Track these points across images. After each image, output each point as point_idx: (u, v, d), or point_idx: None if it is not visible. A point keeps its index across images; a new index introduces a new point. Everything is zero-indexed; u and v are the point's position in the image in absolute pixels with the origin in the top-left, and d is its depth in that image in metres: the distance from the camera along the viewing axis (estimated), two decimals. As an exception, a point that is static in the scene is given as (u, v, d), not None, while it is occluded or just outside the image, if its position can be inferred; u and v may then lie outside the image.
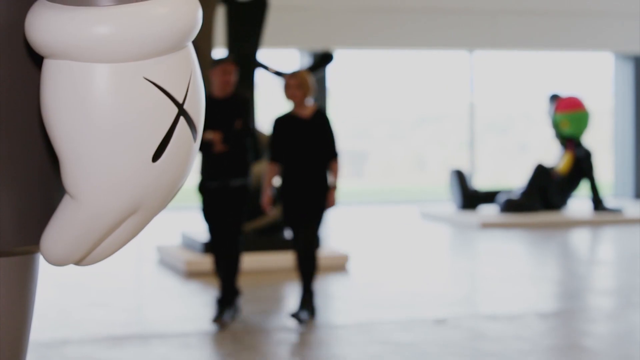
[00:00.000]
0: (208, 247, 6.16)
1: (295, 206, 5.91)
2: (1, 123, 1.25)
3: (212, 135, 5.82)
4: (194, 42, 1.29)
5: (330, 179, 5.95)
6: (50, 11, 1.14)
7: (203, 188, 5.99)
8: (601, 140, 16.63)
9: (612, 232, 11.38)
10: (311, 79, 5.97)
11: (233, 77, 6.02)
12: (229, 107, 5.95)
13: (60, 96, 1.16)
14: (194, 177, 9.06)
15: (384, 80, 17.77)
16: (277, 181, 6.12)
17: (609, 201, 14.24)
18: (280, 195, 6.01)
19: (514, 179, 16.32)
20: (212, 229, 6.05)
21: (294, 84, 5.91)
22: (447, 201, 14.58)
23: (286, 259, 8.16)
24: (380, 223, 12.74)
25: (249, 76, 8.80)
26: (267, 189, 6.01)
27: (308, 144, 5.90)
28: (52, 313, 6.40)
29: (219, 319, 5.85)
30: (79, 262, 1.28)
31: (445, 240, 11.10)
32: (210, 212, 6.01)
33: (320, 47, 13.66)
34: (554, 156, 13.52)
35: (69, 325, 6.03)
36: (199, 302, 6.83)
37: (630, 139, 15.75)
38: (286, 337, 5.66)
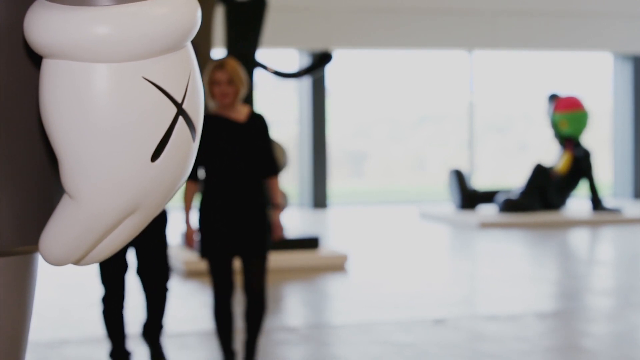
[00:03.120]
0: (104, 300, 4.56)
1: (223, 234, 4.50)
2: (0, 123, 1.25)
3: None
4: (193, 42, 1.29)
5: (270, 200, 4.68)
6: (49, 11, 1.14)
7: None
8: (600, 140, 16.63)
9: (611, 232, 11.39)
10: (243, 71, 4.58)
11: None
12: None
13: (59, 96, 1.16)
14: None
15: (384, 80, 17.77)
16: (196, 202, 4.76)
17: (608, 201, 14.25)
18: (200, 219, 4.57)
19: (513, 179, 16.32)
20: (117, 267, 4.58)
21: (224, 78, 4.45)
22: (447, 201, 14.58)
23: (285, 258, 8.17)
24: (380, 223, 12.73)
25: (247, 76, 8.80)
26: (187, 215, 4.64)
27: (241, 155, 4.51)
28: (51, 313, 6.40)
29: None
30: (78, 262, 1.28)
31: (445, 240, 11.10)
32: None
33: (319, 47, 13.66)
34: (553, 156, 13.52)
35: (68, 325, 6.03)
36: (198, 303, 6.83)
37: (629, 139, 15.75)
38: (286, 337, 5.66)
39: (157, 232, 4.57)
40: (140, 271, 4.58)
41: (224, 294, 4.57)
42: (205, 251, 4.55)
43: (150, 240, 4.55)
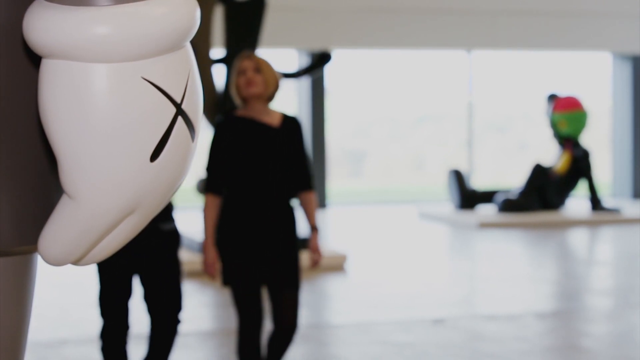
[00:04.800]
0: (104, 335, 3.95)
1: (249, 258, 3.83)
2: (0, 123, 1.25)
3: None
4: (192, 42, 1.29)
5: (303, 219, 4.07)
6: (49, 11, 1.14)
7: None
8: (599, 140, 16.64)
9: (610, 232, 11.39)
10: (275, 69, 3.93)
11: None
12: None
13: (58, 96, 1.16)
14: (191, 177, 8.81)
15: (383, 80, 17.78)
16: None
17: (607, 201, 14.25)
18: (221, 240, 3.90)
19: (513, 179, 16.33)
20: (117, 302, 3.91)
21: (251, 66, 3.84)
22: (446, 201, 14.58)
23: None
24: (379, 223, 12.73)
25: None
26: (209, 237, 3.89)
27: (273, 165, 3.85)
28: (50, 313, 6.40)
29: None
30: (77, 262, 1.28)
31: (444, 240, 11.10)
32: (119, 275, 3.88)
33: (318, 47, 13.67)
34: (553, 156, 13.53)
35: (67, 325, 6.03)
36: (197, 302, 6.83)
37: (628, 138, 15.76)
38: (285, 337, 5.66)
39: (167, 254, 3.92)
40: (147, 297, 3.93)
41: (252, 327, 3.88)
42: (229, 278, 3.86)
43: (159, 264, 3.89)
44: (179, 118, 1.21)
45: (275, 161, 3.84)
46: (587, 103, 13.22)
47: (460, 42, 14.73)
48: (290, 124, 3.92)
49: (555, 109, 13.00)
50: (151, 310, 3.92)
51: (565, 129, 12.92)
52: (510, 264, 8.76)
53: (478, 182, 15.64)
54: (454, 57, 15.76)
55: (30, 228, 1.30)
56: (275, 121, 3.89)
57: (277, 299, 3.89)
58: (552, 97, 13.16)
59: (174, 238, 3.94)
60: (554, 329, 5.97)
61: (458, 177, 13.11)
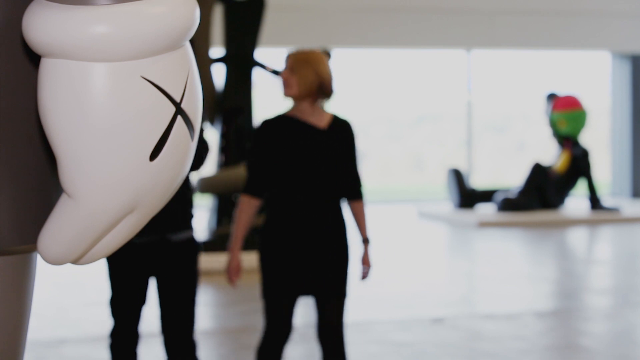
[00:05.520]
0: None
1: (294, 269, 3.60)
2: (-1, 122, 1.25)
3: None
4: (191, 41, 1.29)
5: (352, 228, 3.86)
6: (48, 10, 1.14)
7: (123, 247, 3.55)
8: (598, 139, 16.64)
9: (609, 231, 11.39)
10: (321, 66, 3.65)
11: None
12: None
13: (57, 95, 1.16)
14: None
15: (382, 79, 17.78)
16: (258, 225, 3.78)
17: (606, 200, 14.25)
18: (264, 249, 3.64)
19: (512, 178, 16.33)
20: (127, 316, 3.76)
21: (287, 65, 3.67)
22: (445, 200, 14.58)
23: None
24: (378, 222, 12.74)
25: (246, 76, 8.80)
26: (238, 242, 3.67)
27: (320, 169, 3.62)
28: (50, 312, 6.40)
29: None
30: (76, 261, 1.28)
31: (443, 239, 11.10)
32: (130, 285, 3.70)
33: (317, 46, 13.67)
34: (552, 155, 13.53)
35: (66, 325, 6.02)
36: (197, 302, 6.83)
37: (628, 137, 15.76)
38: (284, 336, 5.66)
39: (181, 267, 3.70)
40: (161, 316, 3.76)
41: (278, 340, 3.67)
42: (269, 290, 3.62)
43: (174, 279, 3.69)
44: (179, 117, 1.21)
45: (320, 164, 3.60)
46: (586, 102, 13.22)
47: (459, 41, 14.73)
48: (339, 126, 3.67)
49: (554, 108, 13.00)
50: (164, 331, 3.75)
51: (564, 128, 12.92)
52: (510, 263, 8.76)
53: (477, 182, 15.64)
54: (453, 57, 15.76)
55: (30, 227, 1.30)
56: (322, 123, 3.64)
57: (324, 308, 3.69)
58: (552, 97, 13.17)
59: (190, 249, 3.71)
60: (553, 328, 5.97)
61: (457, 177, 13.11)
